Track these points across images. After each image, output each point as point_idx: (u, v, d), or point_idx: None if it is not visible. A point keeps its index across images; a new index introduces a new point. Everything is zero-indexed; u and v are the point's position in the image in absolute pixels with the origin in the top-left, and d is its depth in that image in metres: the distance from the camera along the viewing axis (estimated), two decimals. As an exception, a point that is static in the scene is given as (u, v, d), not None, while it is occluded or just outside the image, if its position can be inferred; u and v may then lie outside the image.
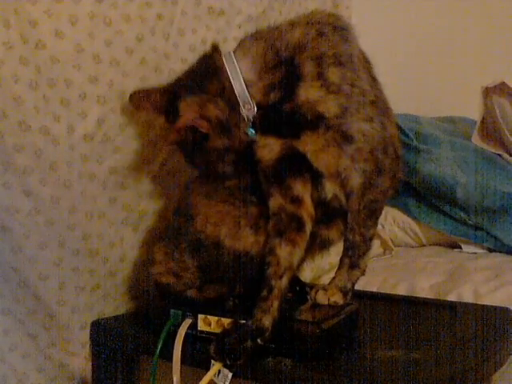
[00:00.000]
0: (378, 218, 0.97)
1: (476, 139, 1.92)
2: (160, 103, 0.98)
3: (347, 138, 0.90)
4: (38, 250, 1.01)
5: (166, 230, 1.07)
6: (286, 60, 0.91)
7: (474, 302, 1.26)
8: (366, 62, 0.98)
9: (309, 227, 0.95)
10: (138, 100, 1.01)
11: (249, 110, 0.93)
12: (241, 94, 0.92)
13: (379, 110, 0.94)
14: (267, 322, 0.88)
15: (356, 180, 0.92)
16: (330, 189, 0.94)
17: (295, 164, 0.93)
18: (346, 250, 0.95)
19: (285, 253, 0.92)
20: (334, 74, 0.90)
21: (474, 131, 1.93)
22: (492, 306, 1.15)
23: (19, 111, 0.95)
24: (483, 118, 1.93)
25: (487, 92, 1.90)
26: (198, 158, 1.00)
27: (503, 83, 1.85)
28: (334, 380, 0.82)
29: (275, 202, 0.95)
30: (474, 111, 1.99)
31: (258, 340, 0.87)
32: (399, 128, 1.77)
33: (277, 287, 0.90)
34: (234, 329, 0.90)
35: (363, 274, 0.97)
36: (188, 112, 0.93)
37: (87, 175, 1.06)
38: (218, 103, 0.93)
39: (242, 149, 0.96)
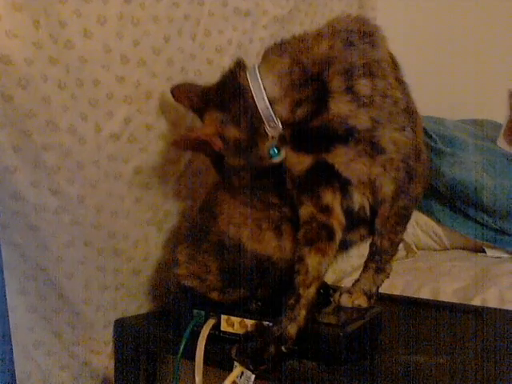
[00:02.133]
0: (407, 224, 0.96)
1: (502, 142, 1.90)
2: (196, 104, 1.00)
3: (378, 150, 0.89)
4: (64, 249, 1.02)
5: (190, 230, 1.07)
6: (314, 76, 0.90)
7: (499, 307, 1.25)
8: (395, 65, 0.95)
9: (339, 236, 0.94)
10: (180, 94, 1.04)
11: (273, 127, 0.91)
12: (265, 112, 0.91)
13: (410, 117, 0.92)
14: (292, 330, 0.87)
15: (388, 188, 0.91)
16: (357, 199, 0.94)
17: (325, 173, 0.92)
18: (372, 254, 0.94)
19: (314, 262, 0.92)
20: (364, 86, 0.88)
21: (500, 134, 1.91)
22: (518, 312, 1.14)
23: (47, 111, 0.96)
24: (509, 121, 1.91)
25: (513, 95, 1.88)
26: (216, 166, 1.02)
27: (530, 86, 1.83)
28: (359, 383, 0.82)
29: (306, 210, 0.94)
30: (499, 114, 1.97)
31: (282, 347, 0.86)
32: (424, 130, 1.77)
33: (304, 296, 0.89)
34: (257, 332, 0.89)
35: (388, 277, 0.96)
36: (208, 128, 0.93)
37: (113, 175, 1.06)
38: (239, 123, 0.92)
39: (261, 168, 0.96)
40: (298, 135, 0.92)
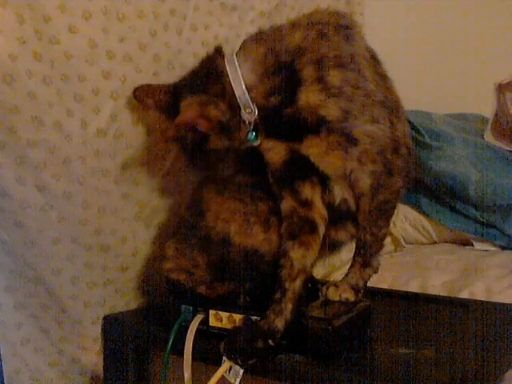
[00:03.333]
0: (390, 218, 0.96)
1: (489, 136, 1.91)
2: (163, 101, 0.99)
3: (351, 141, 0.89)
4: (50, 245, 1.02)
5: (177, 225, 1.07)
6: (286, 64, 0.90)
7: (487, 299, 1.25)
8: (374, 60, 0.96)
9: (322, 229, 0.95)
10: (142, 95, 1.03)
11: (249, 113, 0.92)
12: (241, 98, 0.92)
13: (388, 110, 0.92)
14: (280, 323, 0.88)
15: (365, 182, 0.91)
16: (338, 192, 0.94)
17: (302, 167, 0.93)
18: (358, 249, 0.95)
19: (298, 255, 0.92)
20: (334, 77, 0.89)
21: (487, 128, 1.92)
22: (505, 304, 1.14)
23: (33, 106, 0.95)
24: (496, 115, 1.92)
25: (500, 88, 1.89)
26: (198, 158, 1.01)
27: (516, 80, 1.84)
28: (345, 377, 0.82)
29: (287, 204, 0.94)
30: (486, 108, 1.98)
31: (270, 341, 0.87)
32: (410, 124, 1.78)
33: (290, 290, 0.90)
34: (245, 326, 0.90)
35: (376, 271, 0.97)
36: (189, 110, 0.93)
37: (100, 171, 1.06)
38: (219, 105, 0.92)
39: (243, 152, 0.97)
40: (273, 122, 0.92)
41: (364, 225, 0.93)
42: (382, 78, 0.96)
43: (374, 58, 0.96)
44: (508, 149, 1.87)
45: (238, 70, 0.92)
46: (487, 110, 1.97)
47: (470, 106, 2.19)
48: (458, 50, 2.32)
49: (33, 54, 0.95)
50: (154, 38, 1.11)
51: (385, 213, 0.94)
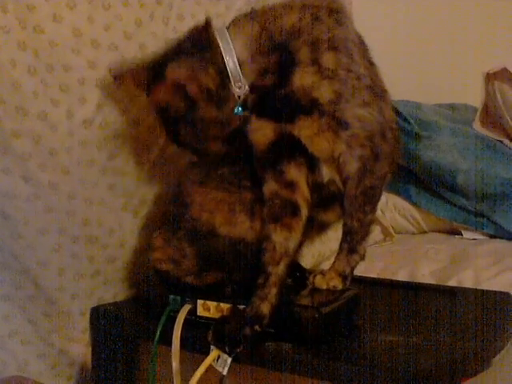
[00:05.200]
0: (376, 204, 0.96)
1: (477, 125, 1.92)
2: (144, 78, 0.96)
3: (342, 124, 0.89)
4: (37, 236, 1.01)
5: (163, 218, 1.07)
6: (281, 44, 0.90)
7: (475, 287, 1.26)
8: (362, 45, 0.96)
9: (304, 212, 0.94)
10: (119, 73, 0.99)
11: (239, 88, 0.91)
12: (233, 71, 0.91)
13: (376, 95, 0.93)
14: (265, 308, 0.87)
15: (352, 165, 0.91)
16: (327, 172, 0.94)
17: (289, 149, 0.92)
18: (344, 235, 0.95)
19: (280, 238, 0.91)
20: (328, 60, 0.89)
21: (476, 117, 1.92)
22: (492, 291, 1.15)
23: (17, 96, 0.95)
24: (484, 104, 1.93)
25: (489, 78, 1.89)
26: (183, 132, 0.97)
27: (505, 69, 1.85)
28: (333, 364, 0.82)
29: (269, 187, 0.93)
30: (475, 98, 1.99)
31: (256, 327, 0.86)
32: (399, 114, 1.79)
33: (273, 274, 0.89)
34: (232, 315, 0.89)
35: (363, 259, 0.96)
36: (177, 72, 0.91)
37: (86, 161, 1.05)
38: (209, 71, 0.91)
39: (230, 126, 0.95)
40: (264, 102, 0.92)
41: (350, 210, 0.93)
42: (370, 63, 0.96)
43: (361, 43, 0.96)
44: (496, 138, 1.88)
45: (230, 42, 0.91)
46: (476, 100, 1.98)
47: (459, 97, 2.19)
48: (447, 40, 2.33)
49: (17, 43, 0.94)
50: (140, 28, 1.10)
51: (371, 198, 0.94)
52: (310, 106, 0.89)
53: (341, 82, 0.89)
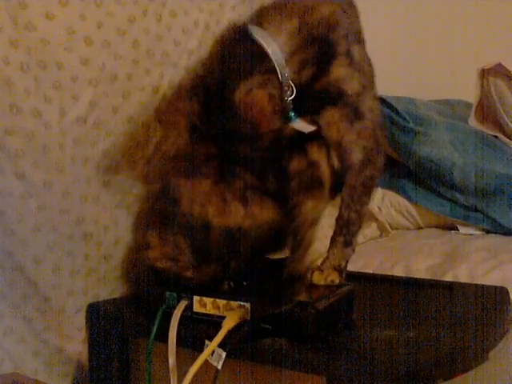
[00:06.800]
0: (371, 195, 0.97)
1: (473, 121, 1.92)
2: (196, 111, 0.95)
3: (358, 115, 0.91)
4: (31, 234, 1.01)
5: (156, 215, 1.06)
6: (320, 37, 0.90)
7: (470, 282, 1.26)
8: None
9: (327, 188, 0.94)
10: (169, 114, 0.98)
11: (289, 90, 0.90)
12: (283, 77, 0.90)
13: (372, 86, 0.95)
14: (303, 268, 0.90)
15: (356, 155, 0.92)
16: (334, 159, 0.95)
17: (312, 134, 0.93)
18: (340, 228, 0.95)
19: (310, 206, 0.92)
20: (357, 52, 0.91)
21: (471, 113, 1.92)
22: (489, 286, 1.15)
23: (10, 94, 0.94)
24: (480, 100, 1.93)
25: (484, 73, 1.89)
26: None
27: (499, 64, 1.84)
28: (330, 360, 0.82)
29: (296, 163, 0.93)
30: (470, 94, 1.99)
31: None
32: (395, 110, 1.79)
33: (307, 238, 0.90)
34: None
35: (353, 251, 0.97)
36: (254, 94, 0.90)
37: (80, 159, 1.05)
38: (273, 83, 0.90)
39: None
40: (302, 97, 0.91)
41: (348, 201, 0.94)
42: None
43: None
44: (492, 133, 1.88)
45: (276, 46, 0.89)
46: (471, 96, 1.98)
47: (454, 92, 2.20)
48: (443, 37, 2.33)
49: (9, 40, 0.94)
50: (133, 24, 1.10)
51: (369, 189, 0.95)
52: (336, 98, 0.90)
53: (365, 74, 0.91)
